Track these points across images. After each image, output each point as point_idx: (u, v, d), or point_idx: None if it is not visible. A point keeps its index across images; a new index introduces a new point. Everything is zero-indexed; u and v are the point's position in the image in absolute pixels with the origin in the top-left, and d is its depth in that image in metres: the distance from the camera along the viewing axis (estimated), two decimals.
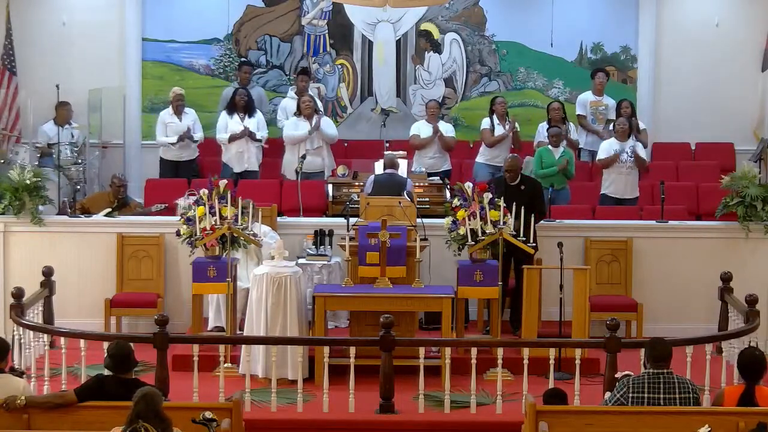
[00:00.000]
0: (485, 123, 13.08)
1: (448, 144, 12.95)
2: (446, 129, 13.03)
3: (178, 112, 13.09)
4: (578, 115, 13.64)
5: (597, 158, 12.52)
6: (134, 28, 14.33)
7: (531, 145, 13.16)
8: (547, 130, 12.67)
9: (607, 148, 12.30)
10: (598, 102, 13.71)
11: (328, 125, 12.95)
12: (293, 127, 12.80)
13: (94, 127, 13.74)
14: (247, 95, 13.00)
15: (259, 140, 12.92)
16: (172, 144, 13.03)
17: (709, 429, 6.84)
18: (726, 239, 11.31)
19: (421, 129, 12.99)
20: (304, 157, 12.50)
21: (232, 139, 12.78)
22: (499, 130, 12.97)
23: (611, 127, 12.94)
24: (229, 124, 12.85)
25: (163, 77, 14.41)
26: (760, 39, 14.33)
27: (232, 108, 12.93)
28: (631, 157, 12.12)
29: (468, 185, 10.28)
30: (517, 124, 13.04)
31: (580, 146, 13.41)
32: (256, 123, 12.92)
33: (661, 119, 14.51)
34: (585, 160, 13.43)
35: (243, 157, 12.86)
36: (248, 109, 12.91)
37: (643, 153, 12.35)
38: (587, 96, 13.78)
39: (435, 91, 14.61)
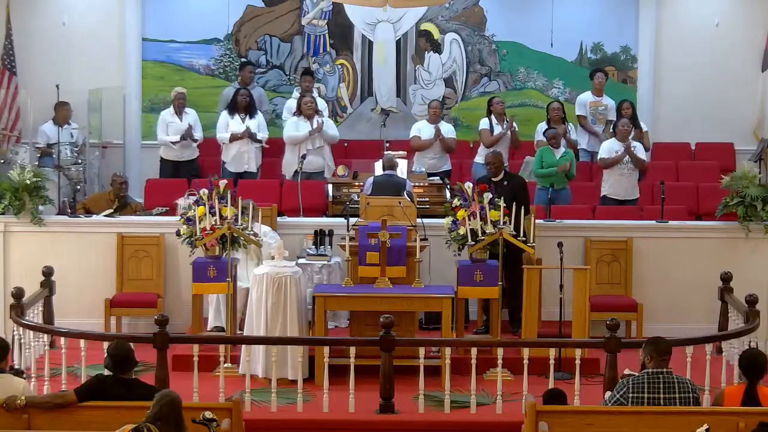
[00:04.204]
0: (484, 123, 13.10)
1: (449, 145, 12.97)
2: (447, 130, 13.05)
3: (179, 112, 13.13)
4: (578, 115, 13.61)
5: (599, 157, 12.48)
6: (134, 28, 14.32)
7: (531, 144, 13.17)
8: (545, 131, 12.68)
9: (608, 148, 12.30)
10: (598, 102, 13.68)
11: (329, 126, 12.96)
12: (294, 127, 12.78)
13: (94, 127, 13.74)
14: (249, 96, 13.01)
15: (260, 141, 12.94)
16: (173, 143, 13.05)
17: (707, 428, 6.84)
18: (726, 239, 11.31)
19: (422, 129, 13.01)
20: (304, 157, 12.51)
21: (233, 138, 12.79)
22: (497, 130, 13.00)
23: (611, 128, 12.93)
24: (230, 124, 12.87)
25: (163, 77, 14.41)
26: (760, 39, 14.32)
27: (233, 108, 12.94)
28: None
29: (468, 185, 10.28)
30: (515, 124, 13.08)
31: (579, 147, 13.38)
32: (257, 124, 12.94)
33: (661, 119, 14.50)
34: (584, 160, 13.40)
35: (243, 158, 12.88)
36: (249, 110, 12.93)
37: (642, 153, 12.35)
38: (587, 96, 13.75)
39: (435, 91, 14.60)
